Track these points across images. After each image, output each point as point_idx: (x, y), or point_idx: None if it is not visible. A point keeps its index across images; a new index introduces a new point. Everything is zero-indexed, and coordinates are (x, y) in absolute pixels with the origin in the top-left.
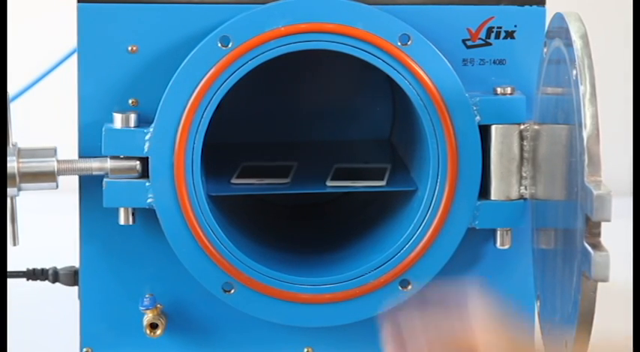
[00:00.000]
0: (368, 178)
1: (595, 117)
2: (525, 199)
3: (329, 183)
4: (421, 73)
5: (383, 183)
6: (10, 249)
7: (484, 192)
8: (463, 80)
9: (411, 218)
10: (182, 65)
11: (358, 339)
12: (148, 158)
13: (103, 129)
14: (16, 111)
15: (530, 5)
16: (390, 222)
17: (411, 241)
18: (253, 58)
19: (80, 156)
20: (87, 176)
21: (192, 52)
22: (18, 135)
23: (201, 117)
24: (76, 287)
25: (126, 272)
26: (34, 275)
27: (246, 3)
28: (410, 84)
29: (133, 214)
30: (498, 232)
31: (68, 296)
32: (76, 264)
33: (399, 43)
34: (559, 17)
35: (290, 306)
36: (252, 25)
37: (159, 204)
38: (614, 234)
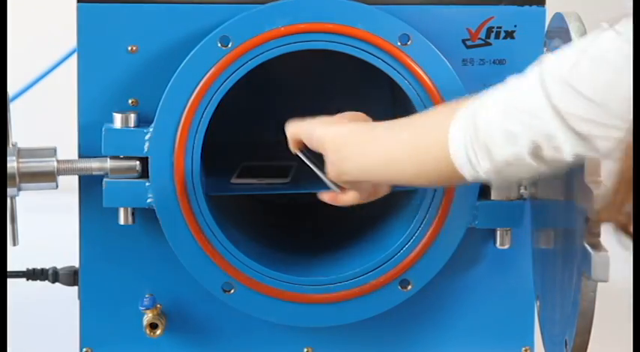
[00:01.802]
0: None
1: None
2: (525, 199)
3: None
4: (421, 72)
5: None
6: (10, 249)
7: (484, 192)
8: (463, 80)
9: (411, 218)
10: (182, 65)
11: (358, 339)
12: (147, 158)
13: (103, 129)
14: (16, 111)
15: (530, 5)
16: (390, 222)
17: (411, 241)
18: (253, 58)
19: (80, 156)
20: (87, 176)
21: (192, 52)
22: (18, 135)
23: (201, 117)
24: (76, 287)
25: (126, 272)
26: (34, 275)
27: (246, 3)
28: (410, 84)
29: (132, 214)
30: (498, 232)
31: (68, 296)
32: (76, 264)
33: (399, 43)
34: (559, 17)
35: (290, 306)
36: (252, 25)
37: (159, 204)
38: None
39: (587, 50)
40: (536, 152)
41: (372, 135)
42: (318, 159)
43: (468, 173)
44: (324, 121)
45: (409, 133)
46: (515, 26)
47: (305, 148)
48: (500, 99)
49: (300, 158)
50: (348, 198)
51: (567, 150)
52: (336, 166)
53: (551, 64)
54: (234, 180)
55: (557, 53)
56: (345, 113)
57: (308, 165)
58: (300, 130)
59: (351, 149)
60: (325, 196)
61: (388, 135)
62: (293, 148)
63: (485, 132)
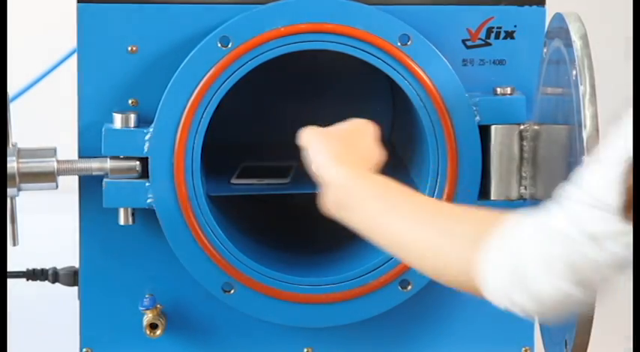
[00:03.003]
0: None
1: (595, 117)
2: (525, 199)
3: None
4: (421, 73)
5: None
6: (10, 249)
7: (484, 192)
8: (463, 80)
9: None
10: (182, 65)
11: (358, 339)
12: (147, 158)
13: (103, 129)
14: (16, 111)
15: (530, 5)
16: None
17: None
18: (253, 58)
19: (80, 156)
20: (87, 176)
21: (192, 52)
22: (18, 135)
23: (201, 117)
24: (76, 288)
25: (126, 273)
26: (34, 275)
27: (246, 3)
28: (410, 84)
29: (132, 214)
30: None
31: (68, 296)
32: (76, 264)
33: (399, 43)
34: (559, 17)
35: (290, 306)
36: (252, 25)
37: (159, 204)
38: None
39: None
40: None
41: (384, 211)
42: None
43: (502, 306)
44: (336, 153)
45: (430, 236)
46: (515, 26)
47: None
48: (542, 252)
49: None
50: None
51: None
52: (332, 209)
53: (591, 220)
54: (234, 181)
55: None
56: (354, 124)
57: None
58: (309, 147)
59: (353, 212)
60: None
61: (406, 224)
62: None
63: (533, 285)
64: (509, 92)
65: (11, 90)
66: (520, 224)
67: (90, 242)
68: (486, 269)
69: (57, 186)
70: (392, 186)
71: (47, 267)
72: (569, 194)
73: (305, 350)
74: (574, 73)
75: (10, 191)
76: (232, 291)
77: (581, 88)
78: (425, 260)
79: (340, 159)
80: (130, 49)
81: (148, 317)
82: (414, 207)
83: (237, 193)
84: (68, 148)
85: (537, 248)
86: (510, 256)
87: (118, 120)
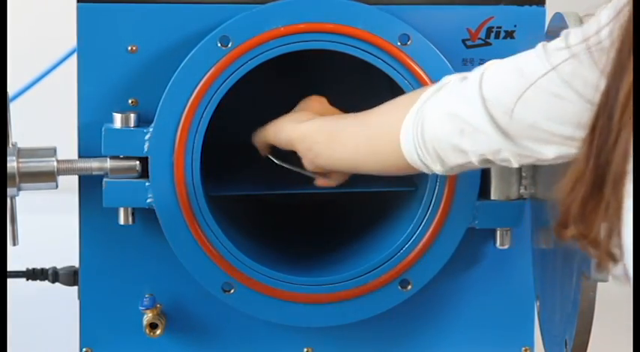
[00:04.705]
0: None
1: None
2: (525, 199)
3: None
4: (421, 73)
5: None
6: (10, 249)
7: (484, 192)
8: None
9: (410, 218)
10: (182, 65)
11: (358, 339)
12: (147, 158)
13: (103, 129)
14: (16, 111)
15: (530, 5)
16: (390, 222)
17: (411, 241)
18: (253, 58)
19: (80, 156)
20: (87, 176)
21: (192, 52)
22: (18, 135)
23: (201, 117)
24: (76, 287)
25: (126, 272)
26: (34, 275)
27: (246, 3)
28: (410, 84)
29: (132, 214)
30: (498, 232)
31: (68, 296)
32: (76, 264)
33: (399, 43)
34: (559, 17)
35: (290, 306)
36: (252, 25)
37: (159, 204)
38: None
39: (526, 75)
40: (484, 161)
41: (337, 131)
42: (288, 155)
43: (424, 170)
44: (290, 119)
45: (369, 132)
46: (515, 26)
47: (273, 150)
48: (445, 112)
49: (273, 161)
50: (335, 179)
51: (513, 161)
52: (310, 162)
53: (493, 87)
54: (275, 161)
55: (497, 69)
56: (307, 101)
57: (282, 166)
58: (266, 134)
59: (319, 147)
60: (319, 182)
61: (351, 132)
62: (263, 153)
63: (433, 143)
64: None
65: (11, 90)
66: (435, 99)
67: (90, 242)
68: (403, 138)
69: (57, 186)
70: (339, 118)
71: (47, 267)
72: (490, 89)
73: (305, 350)
74: None
75: (10, 191)
76: (232, 291)
77: None
78: (372, 154)
79: (296, 120)
80: (129, 49)
81: (148, 317)
82: (358, 118)
83: (237, 193)
84: (68, 148)
85: (448, 132)
86: (421, 131)
87: (117, 120)
